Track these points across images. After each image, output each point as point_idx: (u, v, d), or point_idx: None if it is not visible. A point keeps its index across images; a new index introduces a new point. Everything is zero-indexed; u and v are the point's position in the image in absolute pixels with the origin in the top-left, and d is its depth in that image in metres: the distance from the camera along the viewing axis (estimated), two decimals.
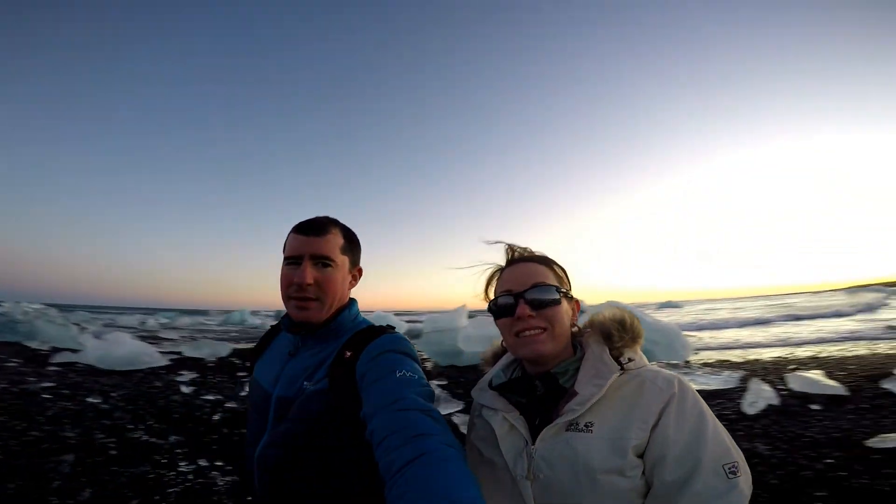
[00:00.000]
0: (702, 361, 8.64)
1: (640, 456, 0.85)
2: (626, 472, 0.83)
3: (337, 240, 1.15)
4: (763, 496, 2.77)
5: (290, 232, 1.18)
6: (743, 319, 21.91)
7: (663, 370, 0.95)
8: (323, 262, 1.12)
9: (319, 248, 1.12)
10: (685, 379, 0.92)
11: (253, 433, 1.14)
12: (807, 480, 2.90)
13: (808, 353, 8.97)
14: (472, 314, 9.90)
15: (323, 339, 1.14)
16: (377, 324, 1.19)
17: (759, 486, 2.84)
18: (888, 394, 4.73)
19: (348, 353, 1.06)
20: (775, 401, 4.72)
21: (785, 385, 5.38)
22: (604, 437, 0.86)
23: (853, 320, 16.86)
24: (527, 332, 0.98)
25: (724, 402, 5.07)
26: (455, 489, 0.70)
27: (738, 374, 6.43)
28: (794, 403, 4.71)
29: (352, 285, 1.24)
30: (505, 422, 0.99)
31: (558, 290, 1.02)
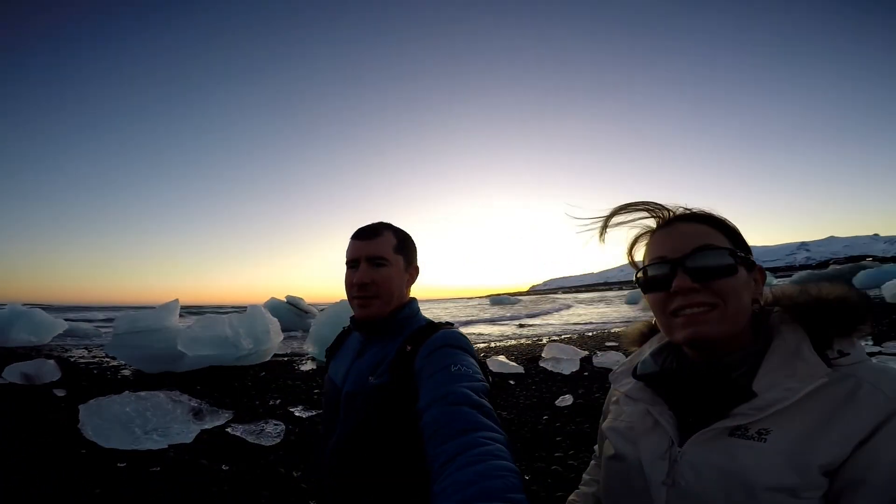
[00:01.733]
0: None
1: (827, 475, 0.67)
2: (801, 493, 0.67)
3: (390, 241, 1.28)
4: (523, 447, 4.03)
5: (350, 239, 1.30)
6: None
7: (892, 369, 0.72)
8: (377, 262, 1.24)
9: (374, 249, 1.25)
10: None
11: (326, 428, 1.25)
12: (542, 431, 4.38)
13: (490, 344, 12.30)
14: (197, 310, 8.57)
15: (386, 335, 1.25)
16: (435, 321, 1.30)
17: (518, 440, 4.13)
18: (544, 370, 7.34)
19: (408, 349, 1.13)
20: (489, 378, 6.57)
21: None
22: (781, 449, 0.69)
23: (496, 323, 23.74)
24: (688, 311, 0.78)
25: None
26: (497, 486, 0.71)
27: None
28: (500, 380, 6.66)
29: (409, 283, 1.33)
30: (648, 416, 0.85)
31: (733, 254, 0.79)
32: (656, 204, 0.91)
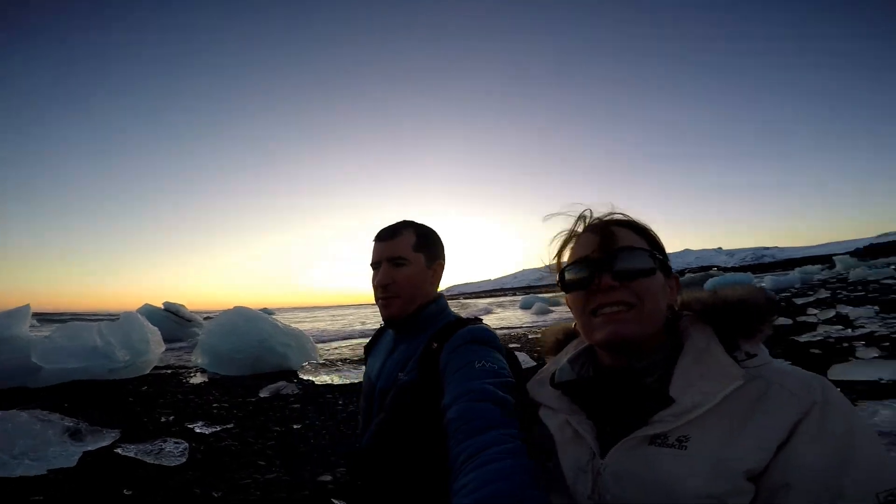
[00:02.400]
0: (340, 358, 10.02)
1: (753, 480, 0.66)
2: (727, 499, 0.66)
3: (409, 239, 1.29)
4: None
5: (372, 241, 1.33)
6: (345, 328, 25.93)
7: (798, 369, 0.73)
8: (397, 262, 1.26)
9: (392, 250, 1.27)
10: (828, 381, 0.70)
11: (362, 423, 1.30)
12: None
13: None
14: (53, 318, 7.21)
15: (414, 332, 1.26)
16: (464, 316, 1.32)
17: None
18: None
19: (434, 345, 1.14)
20: None
21: None
22: (703, 456, 0.67)
23: None
24: (607, 309, 0.79)
25: None
26: (511, 486, 0.71)
27: None
28: None
29: (434, 279, 1.33)
30: (567, 427, 0.83)
31: (653, 256, 0.82)
32: (583, 213, 0.94)
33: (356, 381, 7.20)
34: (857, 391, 4.23)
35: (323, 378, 7.61)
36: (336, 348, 12.75)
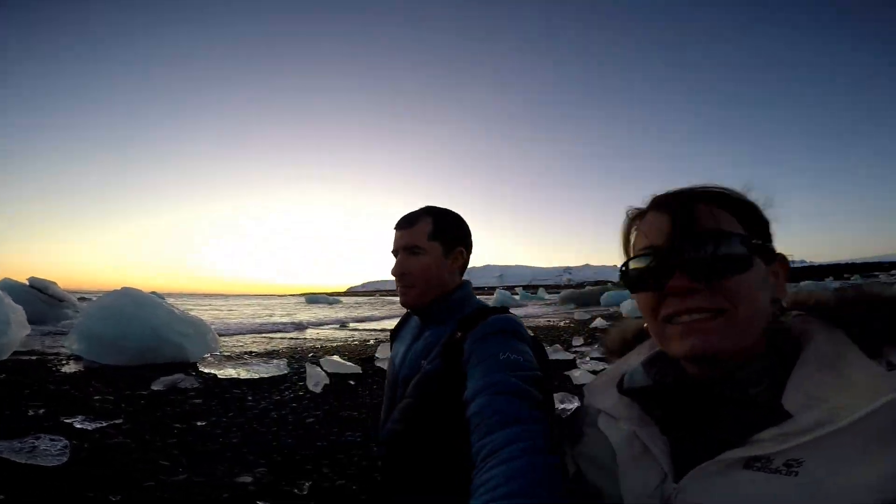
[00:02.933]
0: (245, 351, 9.32)
1: None
2: None
3: (424, 227, 1.30)
4: None
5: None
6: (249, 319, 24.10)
7: None
8: (413, 250, 1.29)
9: (408, 238, 1.30)
10: None
11: (385, 409, 1.31)
12: None
13: (320, 343, 11.65)
14: None
15: (439, 320, 1.27)
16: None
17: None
18: (381, 369, 7.36)
19: (458, 334, 1.12)
20: (327, 380, 6.26)
21: (323, 367, 7.11)
22: (821, 484, 0.51)
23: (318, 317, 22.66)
24: (685, 317, 0.62)
25: (290, 385, 6.15)
26: (530, 487, 0.69)
27: (284, 361, 7.69)
28: (338, 381, 6.43)
29: (454, 267, 1.31)
30: (635, 441, 0.68)
31: (747, 241, 0.62)
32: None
33: (266, 375, 6.78)
34: None
35: (228, 372, 7.05)
36: (240, 343, 11.87)
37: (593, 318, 16.37)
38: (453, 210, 1.37)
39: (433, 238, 1.28)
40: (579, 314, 21.74)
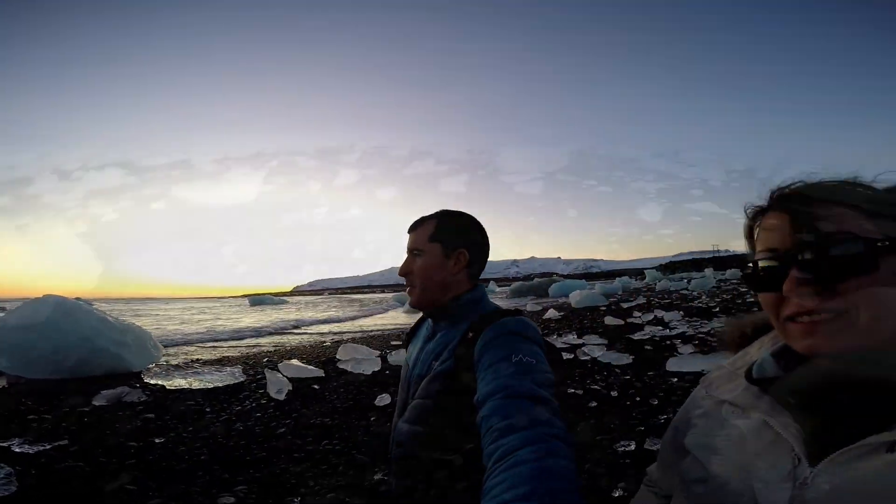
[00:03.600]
0: (192, 359, 8.82)
1: None
2: None
3: (427, 230, 1.34)
4: (365, 451, 3.96)
5: None
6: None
7: None
8: (415, 252, 1.34)
9: (412, 241, 1.36)
10: None
11: (398, 409, 1.33)
12: (377, 433, 4.33)
13: (274, 347, 11.18)
14: None
15: (451, 322, 1.29)
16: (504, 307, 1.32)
17: (353, 445, 4.04)
18: (345, 371, 7.22)
19: (470, 335, 1.13)
20: (290, 386, 6.08)
21: (282, 373, 6.87)
22: None
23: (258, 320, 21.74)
24: (805, 318, 0.63)
25: (249, 394, 5.92)
26: (541, 491, 0.69)
27: (239, 368, 7.38)
28: (302, 385, 6.26)
29: (458, 269, 1.30)
30: (766, 429, 0.67)
31: (871, 243, 0.59)
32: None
33: (221, 383, 6.49)
34: (688, 380, 5.33)
35: (178, 382, 6.68)
36: (184, 350, 11.23)
37: (545, 310, 16.94)
38: (468, 213, 1.39)
39: (433, 240, 1.30)
40: (531, 306, 22.45)
